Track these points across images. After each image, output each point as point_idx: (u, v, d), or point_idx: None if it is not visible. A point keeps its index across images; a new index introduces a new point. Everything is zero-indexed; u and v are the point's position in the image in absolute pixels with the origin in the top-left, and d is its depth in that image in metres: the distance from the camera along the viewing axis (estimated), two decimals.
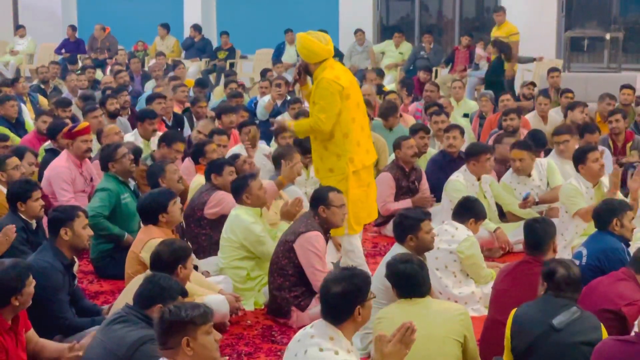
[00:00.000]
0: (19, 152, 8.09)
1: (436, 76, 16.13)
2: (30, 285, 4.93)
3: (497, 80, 14.30)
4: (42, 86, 14.42)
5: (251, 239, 6.84)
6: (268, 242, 6.86)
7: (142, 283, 4.93)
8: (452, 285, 6.73)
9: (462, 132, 9.56)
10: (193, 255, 5.97)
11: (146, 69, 16.87)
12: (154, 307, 4.73)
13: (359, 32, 18.23)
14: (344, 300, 4.34)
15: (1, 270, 4.85)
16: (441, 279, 6.69)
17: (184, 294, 4.87)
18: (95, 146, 9.52)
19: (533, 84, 13.32)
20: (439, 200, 8.84)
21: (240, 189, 6.98)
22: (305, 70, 7.03)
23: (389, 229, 7.92)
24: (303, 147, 8.58)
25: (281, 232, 6.91)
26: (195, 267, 6.60)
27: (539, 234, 5.62)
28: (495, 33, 14.72)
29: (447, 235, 6.76)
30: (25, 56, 19.90)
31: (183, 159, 9.20)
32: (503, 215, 8.66)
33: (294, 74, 7.14)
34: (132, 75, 15.65)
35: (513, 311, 4.89)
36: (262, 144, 9.86)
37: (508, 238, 8.09)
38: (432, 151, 9.93)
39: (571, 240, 7.58)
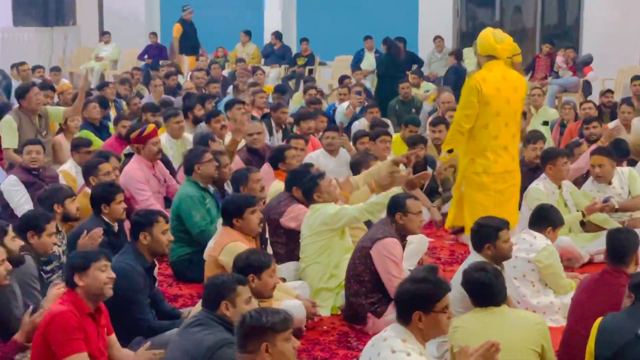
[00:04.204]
0: (104, 157, 8.20)
1: None
2: (102, 272, 5.00)
3: (386, 74, 15.42)
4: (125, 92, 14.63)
5: (330, 220, 6.85)
6: (346, 211, 6.83)
7: (203, 289, 5.05)
8: (530, 295, 6.66)
9: (545, 142, 9.46)
10: (276, 266, 5.98)
11: (225, 74, 17.03)
12: (220, 306, 4.83)
13: (438, 38, 18.16)
14: (404, 301, 4.37)
15: (76, 251, 5.02)
16: (519, 288, 6.63)
17: (242, 282, 4.94)
18: None
19: (611, 91, 13.05)
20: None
21: (310, 190, 7.02)
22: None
23: (466, 237, 7.87)
24: None
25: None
26: None
27: (622, 244, 5.50)
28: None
29: (526, 244, 6.69)
30: (109, 62, 20.27)
31: (250, 164, 9.23)
32: (583, 225, 8.53)
33: None
34: (214, 81, 15.79)
35: (598, 320, 4.82)
36: (342, 151, 9.89)
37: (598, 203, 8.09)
38: None
39: None
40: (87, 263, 4.98)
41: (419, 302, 4.33)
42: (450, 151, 7.31)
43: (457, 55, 17.13)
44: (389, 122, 12.06)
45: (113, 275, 5.08)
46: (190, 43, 19.15)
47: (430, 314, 4.33)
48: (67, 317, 4.80)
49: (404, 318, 4.37)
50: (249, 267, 5.49)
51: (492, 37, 7.05)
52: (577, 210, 8.39)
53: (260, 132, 9.81)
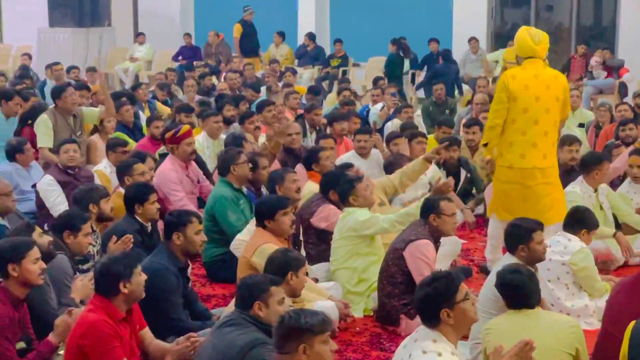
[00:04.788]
0: (140, 157, 8.25)
1: None
2: (140, 275, 5.03)
3: (394, 74, 16.81)
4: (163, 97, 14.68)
5: (359, 227, 6.85)
6: (376, 220, 6.84)
7: (236, 289, 5.07)
8: (565, 298, 6.62)
9: (581, 144, 9.39)
10: (307, 266, 6.02)
11: (259, 75, 17.09)
12: (253, 306, 4.84)
13: (472, 40, 18.10)
14: (427, 305, 4.39)
15: (111, 259, 5.01)
16: (553, 291, 6.59)
17: (276, 283, 4.96)
18: None
19: None
20: None
21: (346, 193, 7.02)
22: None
23: (492, 223, 7.85)
24: None
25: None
26: None
27: None
28: None
29: (560, 246, 6.65)
30: (143, 63, 20.39)
31: (284, 165, 9.21)
32: (619, 227, 8.46)
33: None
34: (247, 83, 15.87)
35: (632, 324, 4.78)
36: (374, 152, 9.88)
37: (628, 241, 7.89)
38: None
39: None
40: (131, 270, 4.99)
41: (441, 300, 4.37)
42: (485, 145, 7.51)
43: (445, 55, 17.36)
44: (421, 123, 12.03)
45: (145, 277, 5.10)
46: (250, 44, 18.92)
47: (455, 306, 4.36)
48: (101, 327, 4.81)
49: (432, 320, 4.39)
50: (288, 265, 5.54)
51: (530, 39, 7.22)
52: (613, 213, 8.34)
53: (299, 132, 9.84)
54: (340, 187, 7.15)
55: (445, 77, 16.21)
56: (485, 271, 7.58)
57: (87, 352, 4.79)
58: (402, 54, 17.47)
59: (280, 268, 5.49)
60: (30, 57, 18.38)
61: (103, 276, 4.98)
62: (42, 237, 5.67)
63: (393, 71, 17.13)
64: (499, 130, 7.25)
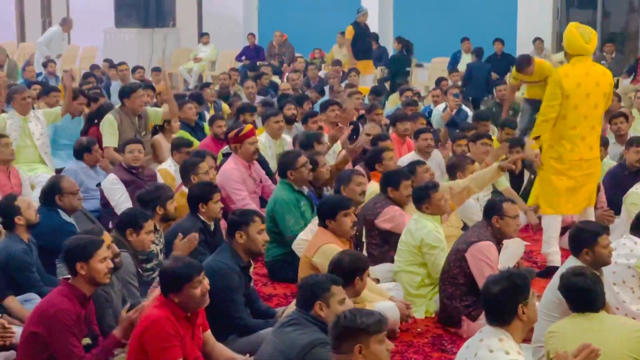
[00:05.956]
0: (200, 156, 8.33)
1: (617, 86, 15.66)
2: (201, 284, 4.98)
3: (400, 71, 17.27)
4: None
5: (426, 250, 6.84)
6: (438, 256, 6.81)
7: (297, 289, 5.09)
8: (630, 301, 6.50)
9: None
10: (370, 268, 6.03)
11: (322, 76, 17.10)
12: (314, 306, 4.86)
13: (537, 40, 17.93)
14: (505, 299, 4.33)
15: (177, 264, 5.01)
16: (618, 294, 6.48)
17: (337, 282, 4.97)
18: None
19: None
20: (617, 213, 8.57)
21: (421, 199, 7.00)
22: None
23: (564, 241, 7.75)
24: None
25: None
26: None
27: None
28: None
29: (626, 249, 6.54)
30: (207, 63, 20.53)
31: (354, 165, 9.21)
32: None
33: None
34: (309, 83, 15.91)
35: None
36: (435, 153, 9.83)
37: None
38: (609, 163, 9.61)
39: None
40: (190, 277, 4.95)
41: (520, 294, 4.34)
42: (536, 138, 7.78)
43: (478, 53, 17.65)
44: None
45: (208, 287, 5.03)
46: (362, 47, 18.20)
47: (528, 302, 4.36)
48: (164, 324, 4.84)
49: (505, 317, 4.33)
50: (356, 270, 5.57)
51: (580, 38, 7.54)
52: None
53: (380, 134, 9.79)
54: (416, 192, 7.11)
55: (478, 75, 16.18)
56: (543, 274, 7.54)
57: (147, 348, 4.83)
58: (405, 52, 17.76)
59: (349, 273, 5.50)
60: (112, 63, 18.45)
61: (167, 277, 4.98)
62: (111, 245, 5.65)
63: (398, 69, 17.42)
64: (551, 123, 7.61)
